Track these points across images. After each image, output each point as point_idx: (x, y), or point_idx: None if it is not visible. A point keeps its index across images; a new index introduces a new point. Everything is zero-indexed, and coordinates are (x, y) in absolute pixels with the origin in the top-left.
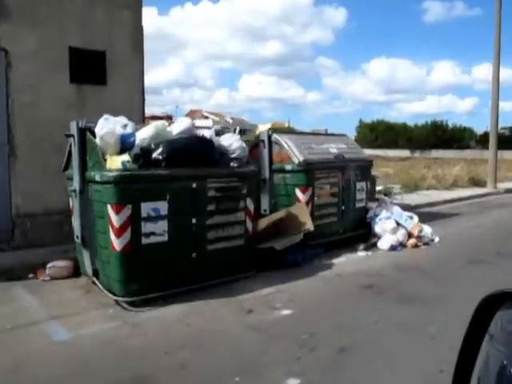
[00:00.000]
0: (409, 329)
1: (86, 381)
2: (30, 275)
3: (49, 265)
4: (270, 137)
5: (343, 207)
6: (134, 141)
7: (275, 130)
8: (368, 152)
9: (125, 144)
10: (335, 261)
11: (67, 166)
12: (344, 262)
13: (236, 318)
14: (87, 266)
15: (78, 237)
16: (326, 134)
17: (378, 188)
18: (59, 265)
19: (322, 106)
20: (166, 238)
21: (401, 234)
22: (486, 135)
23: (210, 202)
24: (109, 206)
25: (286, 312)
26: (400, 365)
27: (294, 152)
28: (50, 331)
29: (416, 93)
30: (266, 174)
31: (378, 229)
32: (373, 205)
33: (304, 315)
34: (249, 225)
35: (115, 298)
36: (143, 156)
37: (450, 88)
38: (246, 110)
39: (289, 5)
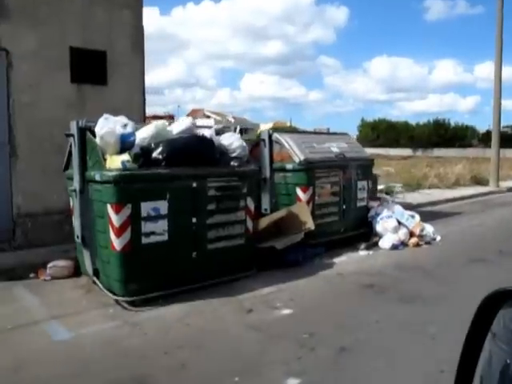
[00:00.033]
0: (410, 328)
1: (86, 380)
2: (31, 275)
3: (49, 264)
4: (270, 136)
5: (344, 206)
6: (134, 140)
7: (277, 129)
8: (370, 151)
9: (125, 143)
10: (336, 260)
11: (67, 165)
12: (345, 261)
13: (236, 318)
14: (87, 266)
15: (78, 236)
16: (328, 133)
17: (380, 187)
18: (60, 264)
19: (323, 105)
20: (166, 237)
21: (402, 233)
22: (488, 134)
23: (211, 202)
24: (109, 206)
25: (287, 311)
26: (401, 364)
27: (295, 151)
28: (50, 331)
29: (418, 91)
30: (267, 173)
31: (379, 228)
32: (374, 204)
33: (305, 314)
34: (249, 224)
35: (115, 297)
36: (143, 155)
37: (452, 86)
38: (247, 109)
39: (290, 4)
